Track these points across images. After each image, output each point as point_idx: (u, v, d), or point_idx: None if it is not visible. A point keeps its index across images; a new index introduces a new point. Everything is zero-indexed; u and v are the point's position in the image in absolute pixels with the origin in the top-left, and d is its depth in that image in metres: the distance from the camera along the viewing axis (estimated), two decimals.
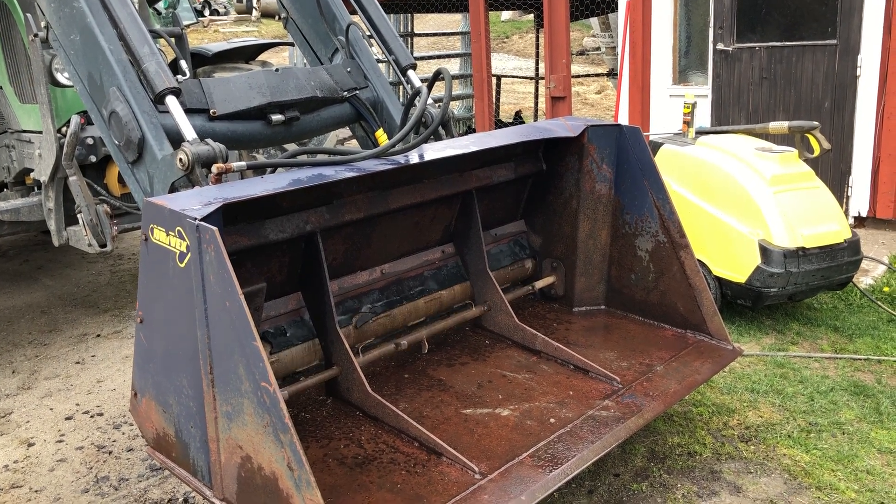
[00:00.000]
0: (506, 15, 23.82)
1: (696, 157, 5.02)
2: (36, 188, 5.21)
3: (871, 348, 4.64)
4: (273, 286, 3.19)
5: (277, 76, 3.69)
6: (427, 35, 14.32)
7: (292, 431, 2.21)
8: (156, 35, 4.66)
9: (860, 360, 4.50)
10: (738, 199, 4.72)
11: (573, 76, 9.60)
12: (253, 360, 2.27)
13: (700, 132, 5.45)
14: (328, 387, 3.32)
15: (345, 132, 5.91)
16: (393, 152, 3.18)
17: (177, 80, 3.22)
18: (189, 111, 3.26)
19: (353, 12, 4.20)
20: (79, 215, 4.34)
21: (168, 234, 2.50)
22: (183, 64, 4.55)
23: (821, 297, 5.33)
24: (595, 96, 16.22)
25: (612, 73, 11.80)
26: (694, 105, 5.38)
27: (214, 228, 2.32)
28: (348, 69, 4.00)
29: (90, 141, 4.72)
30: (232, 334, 2.32)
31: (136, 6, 3.42)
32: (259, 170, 3.11)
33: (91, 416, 4.27)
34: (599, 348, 3.72)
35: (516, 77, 15.79)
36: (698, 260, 3.81)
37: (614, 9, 10.51)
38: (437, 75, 3.50)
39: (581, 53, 19.75)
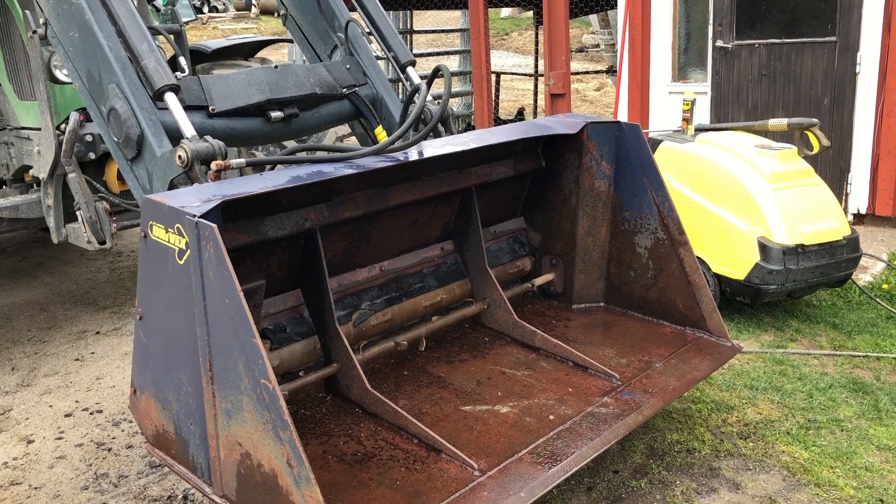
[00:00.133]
0: (505, 12, 23.80)
1: (696, 154, 5.02)
2: (35, 185, 5.20)
3: (869, 345, 4.64)
4: (272, 283, 3.19)
5: (276, 73, 3.69)
6: (426, 32, 14.32)
7: (292, 428, 2.21)
8: (155, 32, 4.66)
9: (859, 356, 4.50)
10: (738, 196, 4.72)
11: (572, 73, 9.60)
12: (252, 357, 2.27)
13: (699, 129, 5.45)
14: (327, 384, 3.32)
15: (344, 129, 5.91)
16: (392, 149, 3.18)
17: (176, 76, 3.22)
18: (188, 108, 3.25)
19: (352, 9, 4.20)
20: (78, 212, 4.34)
21: (167, 232, 2.50)
22: (182, 61, 4.55)
23: (820, 294, 5.33)
24: (594, 93, 16.21)
25: (612, 70, 11.80)
26: (693, 102, 5.38)
27: (214, 225, 2.32)
28: (347, 66, 4.00)
29: (89, 138, 4.71)
30: (231, 331, 2.32)
31: (135, 3, 3.41)
32: (258, 167, 3.11)
33: (90, 413, 4.27)
34: (598, 345, 3.72)
35: (516, 74, 15.78)
36: (697, 257, 3.81)
37: (614, 6, 10.50)
38: (437, 72, 3.50)
39: (580, 50, 19.74)
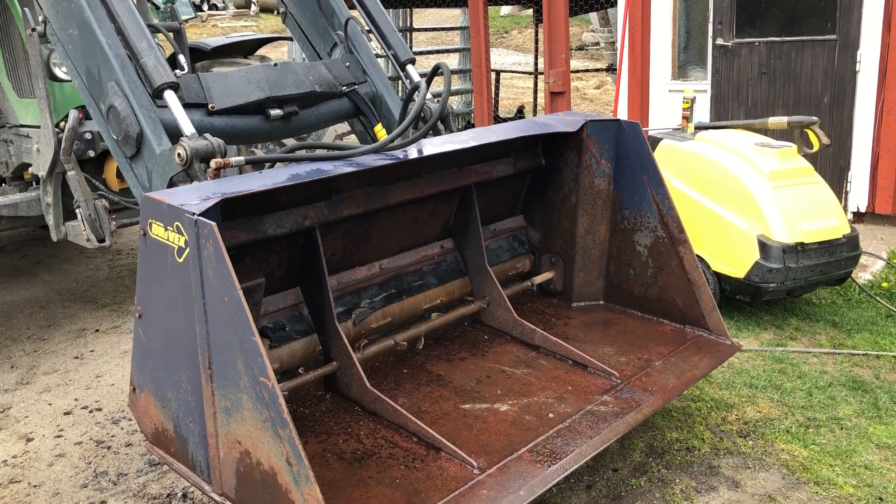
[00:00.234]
0: (505, 10, 23.79)
1: (695, 152, 5.02)
2: (34, 183, 5.19)
3: (869, 343, 4.64)
4: (272, 281, 3.19)
5: (276, 71, 3.69)
6: (426, 30, 14.31)
7: (291, 426, 2.21)
8: (154, 30, 4.65)
9: (859, 355, 4.50)
10: (737, 194, 4.72)
11: (572, 71, 9.59)
12: (252, 355, 2.27)
13: (699, 127, 5.44)
14: (327, 382, 3.32)
15: (343, 127, 5.91)
16: (392, 147, 3.18)
17: (175, 74, 3.22)
18: (187, 106, 3.25)
19: (351, 7, 4.20)
20: (77, 210, 4.34)
21: (167, 230, 2.50)
22: (181, 59, 4.55)
23: (819, 292, 5.33)
24: (594, 91, 16.21)
25: (612, 69, 11.79)
26: (693, 100, 5.38)
27: (213, 223, 2.32)
28: (347, 64, 4.00)
29: (88, 136, 4.71)
30: (230, 329, 2.32)
31: (135, 1, 3.40)
32: (257, 165, 3.11)
33: (90, 412, 4.27)
34: (598, 343, 3.72)
35: (515, 72, 15.77)
36: (697, 255, 3.81)
37: (614, 4, 10.50)
38: (436, 70, 3.50)
39: (580, 48, 19.73)
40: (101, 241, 4.35)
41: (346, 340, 3.20)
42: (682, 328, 3.82)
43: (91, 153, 4.75)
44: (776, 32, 7.01)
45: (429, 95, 3.70)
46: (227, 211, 2.80)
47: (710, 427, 3.80)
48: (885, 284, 5.40)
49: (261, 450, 2.34)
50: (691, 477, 3.42)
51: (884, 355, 4.47)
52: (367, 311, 3.53)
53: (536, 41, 12.56)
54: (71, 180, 4.30)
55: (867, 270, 5.73)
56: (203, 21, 25.92)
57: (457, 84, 12.48)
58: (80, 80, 3.40)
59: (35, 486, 3.59)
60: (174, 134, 3.10)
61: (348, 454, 2.90)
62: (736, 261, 4.71)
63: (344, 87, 3.93)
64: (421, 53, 11.52)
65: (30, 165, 5.15)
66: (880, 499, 3.24)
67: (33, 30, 3.84)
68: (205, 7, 28.71)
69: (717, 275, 4.84)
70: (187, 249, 2.42)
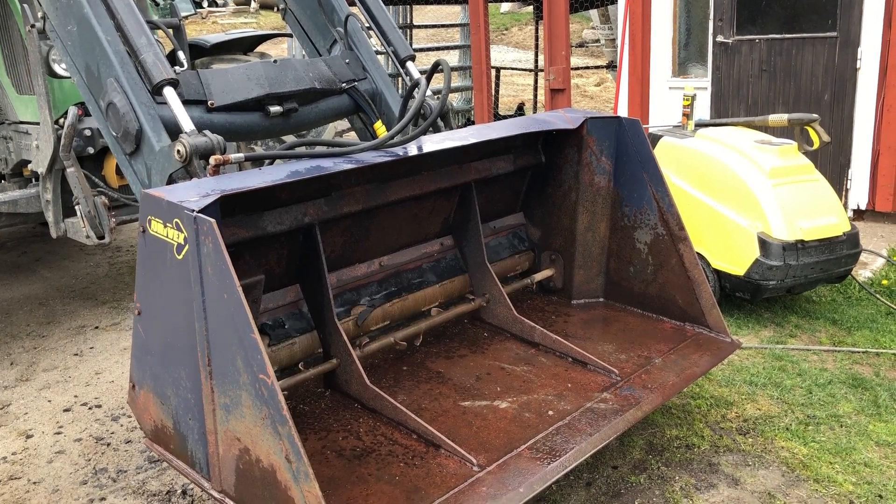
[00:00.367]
0: (505, 7, 23.76)
1: (696, 149, 5.01)
2: (34, 180, 5.19)
3: (869, 341, 4.64)
4: (271, 278, 3.19)
5: (276, 68, 3.68)
6: (426, 27, 14.29)
7: (290, 423, 2.21)
8: (153, 26, 4.65)
9: (858, 352, 4.50)
10: (737, 191, 4.72)
11: (572, 68, 9.57)
12: (251, 352, 2.27)
13: (699, 124, 5.44)
14: (326, 379, 3.31)
15: (343, 124, 5.90)
16: (391, 144, 3.17)
17: (174, 71, 3.21)
18: (187, 102, 3.25)
19: (351, 4, 4.19)
20: (77, 207, 4.33)
21: (166, 226, 2.49)
22: (181, 55, 4.54)
23: (819, 289, 5.33)
24: (594, 88, 16.19)
25: (612, 66, 11.77)
26: (693, 97, 5.37)
27: (212, 220, 2.32)
28: (347, 61, 3.99)
29: (88, 132, 4.70)
30: (230, 326, 2.32)
31: None
32: (257, 161, 3.10)
33: (89, 408, 4.27)
34: (598, 341, 3.72)
35: (515, 69, 15.75)
36: (697, 252, 3.81)
37: (614, 1, 10.48)
38: (436, 67, 3.49)
39: (580, 45, 19.70)
40: (101, 237, 4.35)
41: (345, 337, 3.19)
42: (682, 325, 3.82)
43: (90, 150, 4.75)
44: (777, 29, 6.99)
45: (429, 92, 3.70)
46: (227, 208, 2.79)
47: (709, 424, 3.80)
48: (885, 282, 5.40)
49: (260, 447, 2.34)
50: (691, 474, 3.42)
51: (884, 353, 4.47)
52: (369, 311, 3.52)
53: (536, 38, 12.54)
54: (70, 177, 4.30)
55: (867, 268, 5.72)
56: (203, 18, 25.88)
57: (457, 81, 12.46)
58: (79, 77, 3.39)
59: (35, 483, 3.59)
60: (173, 130, 3.09)
61: (348, 451, 2.90)
62: (736, 258, 4.70)
63: (344, 84, 3.92)
64: (421, 50, 11.50)
65: (29, 162, 5.14)
66: (880, 496, 3.24)
67: (32, 26, 3.84)
68: (205, 4, 28.67)
69: (717, 272, 4.83)
70: (186, 246, 2.42)
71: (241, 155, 2.95)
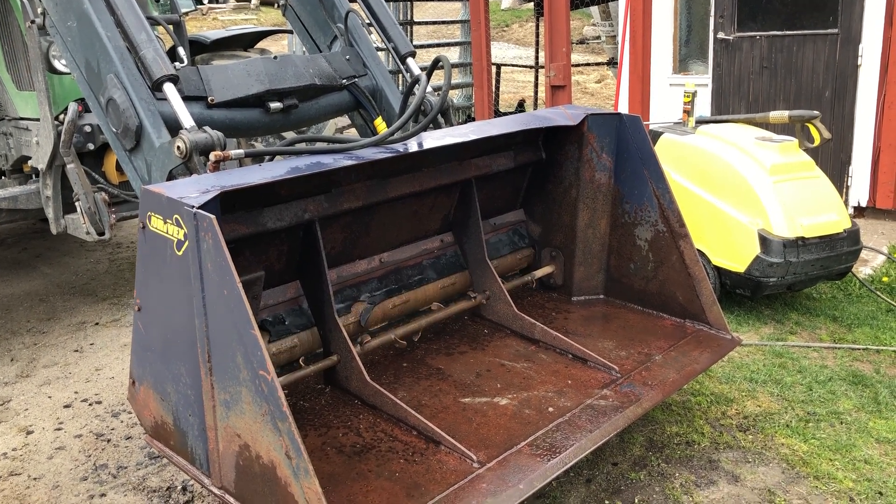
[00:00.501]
0: (506, 3, 23.72)
1: (696, 146, 5.01)
2: (34, 176, 5.19)
3: (869, 338, 4.64)
4: (271, 275, 3.18)
5: (276, 64, 3.67)
6: (427, 23, 14.24)
7: (290, 420, 2.21)
8: (154, 22, 4.64)
9: (859, 349, 4.50)
10: (738, 188, 4.71)
11: (573, 65, 9.56)
12: (251, 348, 2.26)
13: (700, 121, 5.43)
14: (327, 375, 3.31)
15: (344, 120, 5.89)
16: (392, 140, 3.17)
17: (174, 67, 3.21)
18: (187, 99, 3.24)
19: (352, 0, 4.18)
20: (77, 203, 4.33)
21: (166, 222, 2.49)
22: (181, 51, 4.53)
23: (820, 286, 5.33)
24: (595, 85, 16.17)
25: (613, 63, 11.76)
26: (694, 94, 5.36)
27: (212, 216, 2.31)
28: (347, 57, 3.98)
29: (88, 128, 4.70)
30: (230, 323, 2.32)
31: None
32: (257, 158, 3.10)
33: (89, 404, 4.27)
34: (598, 338, 3.72)
35: (516, 66, 15.73)
36: (697, 249, 3.81)
37: None
38: (437, 63, 3.48)
39: (581, 42, 19.68)
40: (101, 234, 4.34)
41: (345, 334, 3.19)
42: (683, 322, 3.81)
43: (90, 146, 4.74)
44: (778, 26, 6.98)
45: (429, 89, 3.69)
46: (227, 204, 2.79)
47: (709, 421, 3.80)
48: (885, 279, 5.40)
49: (260, 443, 2.34)
50: (691, 471, 3.42)
51: (884, 350, 4.47)
52: (370, 308, 3.52)
53: (537, 35, 12.52)
54: (70, 173, 4.29)
55: (868, 265, 5.72)
56: (203, 14, 25.84)
57: (457, 78, 12.44)
58: (79, 73, 3.38)
59: (35, 479, 3.59)
60: (173, 127, 3.09)
61: (348, 447, 2.90)
62: (736, 255, 4.70)
63: (344, 80, 3.92)
64: (421, 47, 11.48)
65: (29, 158, 5.14)
66: (880, 493, 3.24)
67: (32, 22, 3.83)
68: (205, 0, 28.62)
69: (718, 269, 4.83)
70: (186, 242, 2.42)
71: (241, 151, 2.94)
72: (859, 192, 6.79)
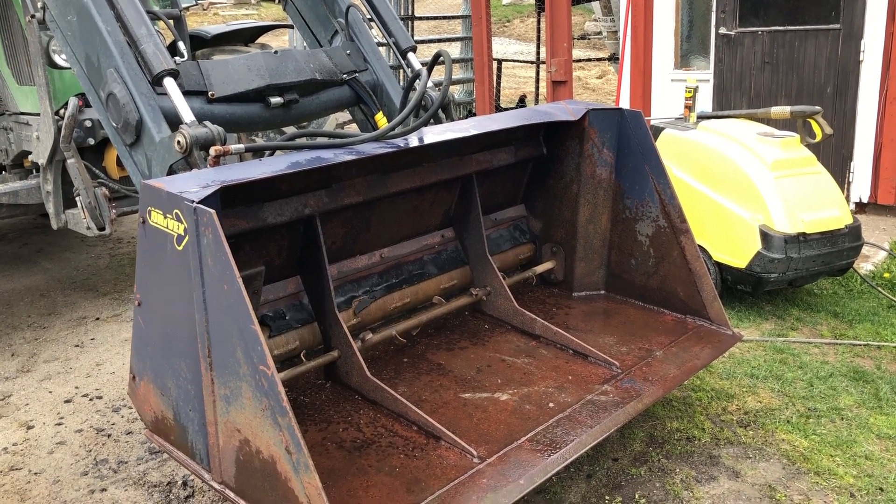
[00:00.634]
0: None
1: (698, 141, 5.00)
2: (34, 171, 5.18)
3: (870, 334, 4.64)
4: (272, 270, 3.18)
5: (276, 59, 3.66)
6: (428, 18, 14.24)
7: (290, 415, 2.20)
8: (154, 17, 4.63)
9: (860, 345, 4.49)
10: (739, 184, 4.71)
11: (574, 60, 9.54)
12: (251, 343, 2.26)
13: (701, 117, 5.42)
14: (327, 370, 3.31)
15: (345, 116, 5.89)
16: (392, 135, 3.16)
17: (174, 61, 3.20)
18: (187, 93, 3.23)
19: None
20: (77, 198, 4.32)
21: (166, 217, 2.48)
22: (181, 46, 4.52)
23: (821, 282, 5.32)
24: (596, 81, 16.15)
25: (614, 58, 11.74)
26: (695, 89, 5.36)
27: (212, 211, 2.31)
28: (348, 52, 3.97)
29: (88, 123, 4.69)
30: (230, 318, 2.31)
31: None
32: (257, 153, 3.09)
33: (90, 399, 4.27)
34: (599, 333, 3.72)
35: (517, 61, 15.71)
36: (699, 245, 3.80)
37: None
38: (437, 58, 3.48)
39: (583, 38, 19.64)
40: (101, 229, 4.34)
41: (346, 329, 3.19)
42: (683, 318, 3.81)
43: (91, 141, 4.74)
44: (779, 21, 6.97)
45: (430, 84, 3.68)
46: (227, 199, 2.79)
47: (710, 417, 3.80)
48: (886, 275, 5.39)
49: (260, 438, 2.34)
50: (691, 466, 3.42)
51: (885, 346, 4.47)
52: (368, 301, 3.52)
53: (538, 30, 12.50)
54: (71, 168, 4.29)
55: (869, 261, 5.71)
56: (204, 9, 25.80)
57: (458, 73, 12.42)
58: (79, 68, 3.38)
59: (35, 474, 3.59)
60: (174, 121, 3.08)
61: (348, 443, 2.90)
62: (738, 251, 4.69)
63: (345, 75, 3.91)
64: (422, 42, 11.45)
65: (30, 153, 5.13)
66: (881, 489, 3.24)
67: (32, 16, 3.82)
68: None
69: (719, 265, 4.83)
70: (186, 237, 2.41)
71: (241, 146, 2.94)
72: (861, 187, 6.78)
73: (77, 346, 5.01)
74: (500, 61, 12.20)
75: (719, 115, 5.56)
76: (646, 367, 3.39)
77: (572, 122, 3.89)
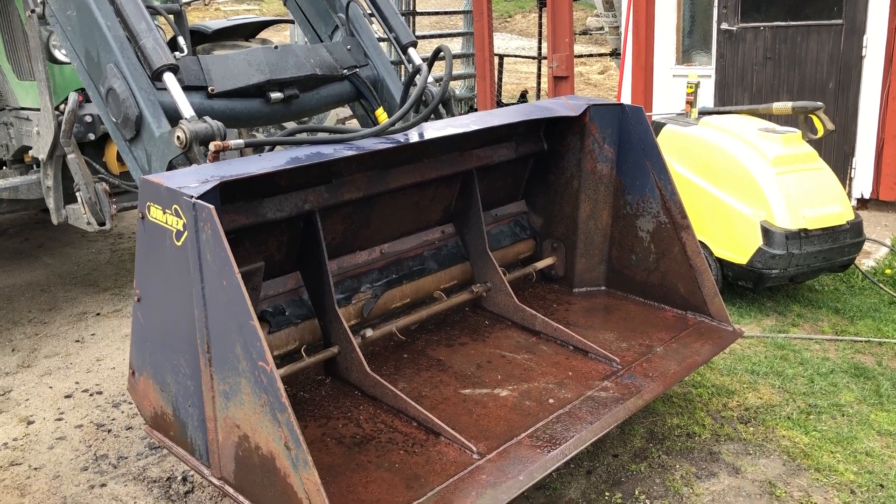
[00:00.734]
0: None
1: (699, 137, 4.99)
2: (35, 166, 5.18)
3: (872, 330, 4.63)
4: (272, 265, 3.18)
5: (277, 53, 3.66)
6: (429, 14, 14.20)
7: (289, 411, 2.20)
8: (154, 12, 4.62)
9: (861, 342, 4.49)
10: (741, 179, 4.69)
11: (576, 56, 9.52)
12: (250, 339, 2.26)
13: (703, 112, 5.41)
14: (327, 366, 3.31)
15: (345, 111, 5.87)
16: (392, 131, 3.15)
17: (174, 56, 3.19)
18: (187, 88, 3.23)
19: None
20: (77, 193, 4.32)
21: (165, 213, 2.48)
22: (181, 41, 4.51)
23: (822, 279, 5.31)
24: (598, 77, 16.12)
25: (616, 53, 11.71)
26: (697, 85, 5.34)
27: (211, 206, 2.30)
28: (348, 47, 3.96)
29: (89, 119, 4.68)
30: (229, 313, 2.31)
31: None
32: (257, 148, 3.09)
33: (90, 395, 4.27)
34: (599, 329, 3.71)
35: (519, 57, 15.67)
36: (700, 241, 3.79)
37: None
38: (438, 53, 3.46)
39: (584, 33, 19.60)
40: (102, 224, 4.34)
41: (345, 325, 3.19)
42: (684, 314, 3.80)
43: (91, 136, 4.73)
44: (781, 17, 6.95)
45: (430, 79, 3.67)
46: (227, 194, 2.78)
47: (710, 413, 3.79)
48: (888, 271, 5.38)
49: (259, 434, 2.34)
50: (692, 463, 3.42)
51: (886, 342, 4.46)
52: (373, 301, 3.51)
53: (540, 26, 12.47)
54: (71, 163, 4.28)
55: (870, 257, 5.70)
56: (206, 4, 25.76)
57: (460, 69, 12.40)
58: (79, 63, 3.37)
59: (35, 469, 3.59)
60: (173, 117, 3.08)
61: (348, 439, 2.89)
62: (739, 247, 4.68)
63: (345, 71, 3.90)
64: (424, 38, 11.44)
65: (30, 148, 5.13)
66: (881, 485, 3.23)
67: (32, 11, 3.81)
68: None
69: (720, 261, 4.82)
70: (185, 233, 2.41)
71: (240, 141, 2.93)
72: (863, 183, 6.76)
73: (77, 341, 5.01)
74: (501, 57, 12.17)
75: (721, 110, 5.55)
76: (646, 363, 3.38)
77: (573, 118, 3.88)
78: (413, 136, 3.20)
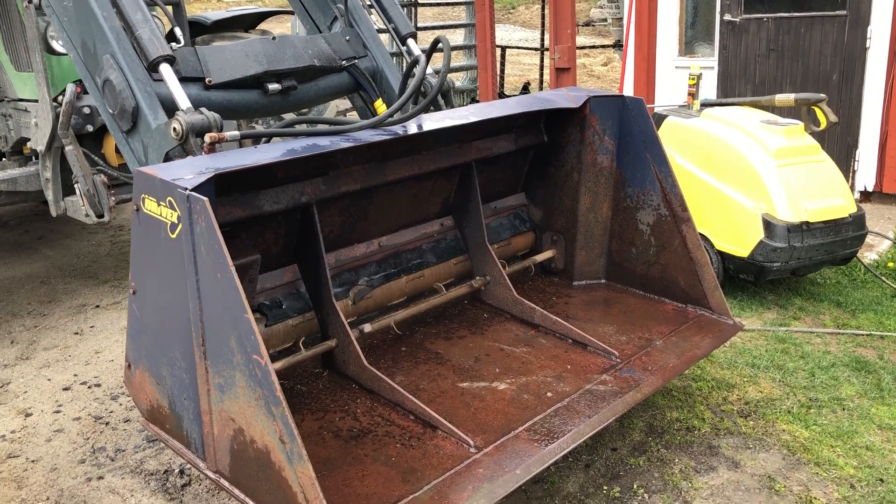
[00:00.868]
0: None
1: (701, 129, 4.96)
2: (33, 158, 5.16)
3: (873, 324, 4.60)
4: (268, 258, 3.16)
5: (274, 45, 3.63)
6: (431, 5, 14.15)
7: (284, 404, 2.19)
8: (151, 3, 4.59)
9: (862, 335, 4.46)
10: (742, 172, 4.67)
11: (579, 47, 9.48)
12: (245, 332, 2.24)
13: (705, 104, 5.38)
14: (324, 359, 3.29)
15: (345, 102, 5.85)
16: (390, 122, 3.13)
17: (171, 47, 3.17)
18: (184, 80, 3.21)
19: None
20: (76, 185, 4.31)
21: (159, 205, 2.46)
22: (178, 32, 4.49)
23: (824, 272, 5.29)
24: (601, 68, 16.05)
25: (619, 45, 11.67)
26: (699, 77, 5.31)
27: (205, 199, 2.28)
28: (347, 38, 3.94)
29: (87, 110, 4.66)
30: (223, 306, 2.30)
31: None
32: (254, 140, 3.07)
33: (89, 387, 4.26)
34: (598, 322, 3.69)
35: (521, 48, 15.61)
36: (700, 234, 3.77)
37: None
38: (436, 44, 3.44)
39: (587, 24, 19.52)
40: (100, 216, 4.33)
41: (343, 318, 3.17)
42: (684, 307, 3.78)
43: (89, 128, 4.71)
44: (785, 8, 6.90)
45: (429, 70, 3.64)
46: (223, 186, 2.76)
47: (710, 407, 3.78)
48: (890, 264, 5.35)
49: (254, 427, 2.32)
50: (691, 457, 3.40)
51: (888, 336, 4.44)
52: (367, 290, 3.49)
53: (543, 17, 12.41)
54: (69, 155, 4.27)
55: (873, 250, 5.67)
56: None
57: (462, 60, 12.36)
58: (75, 53, 3.35)
59: (33, 462, 3.59)
60: (170, 108, 3.06)
61: (344, 432, 2.88)
62: (740, 240, 4.66)
63: (344, 62, 3.87)
64: (426, 29, 11.38)
65: (28, 140, 5.11)
66: (881, 480, 3.21)
67: (30, 2, 3.79)
68: None
69: (721, 254, 4.79)
70: (180, 225, 2.39)
71: (236, 133, 2.91)
72: (866, 176, 6.72)
73: (76, 333, 5.00)
74: (503, 48, 12.12)
75: (723, 102, 5.52)
76: (645, 356, 3.36)
77: (573, 110, 3.85)
78: (411, 128, 3.17)
